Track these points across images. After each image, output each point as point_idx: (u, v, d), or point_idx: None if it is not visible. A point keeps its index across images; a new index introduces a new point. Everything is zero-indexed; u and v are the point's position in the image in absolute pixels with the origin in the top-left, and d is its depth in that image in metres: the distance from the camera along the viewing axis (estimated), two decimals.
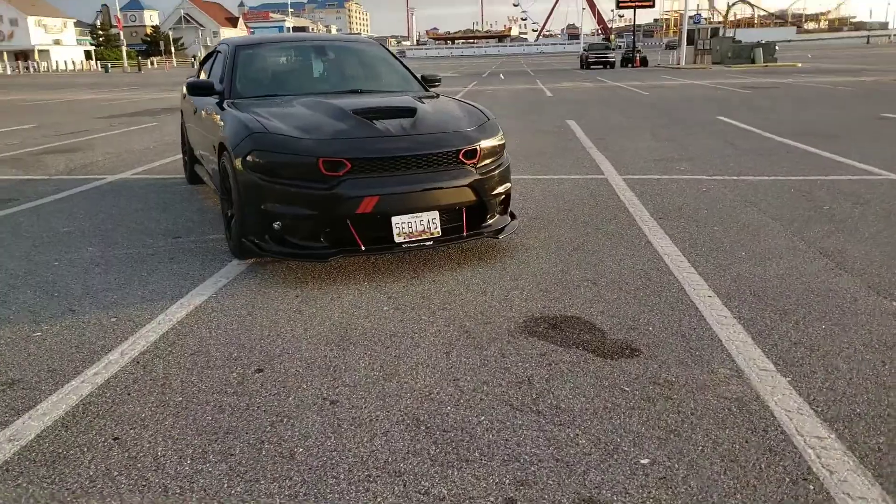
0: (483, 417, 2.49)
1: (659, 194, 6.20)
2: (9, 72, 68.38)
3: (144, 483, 2.12)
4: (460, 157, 4.13)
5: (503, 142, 4.51)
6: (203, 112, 5.23)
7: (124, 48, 71.11)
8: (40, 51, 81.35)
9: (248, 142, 3.98)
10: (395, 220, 3.93)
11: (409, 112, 4.31)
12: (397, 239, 3.94)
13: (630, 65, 43.84)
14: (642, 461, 2.22)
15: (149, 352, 3.04)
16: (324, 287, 3.87)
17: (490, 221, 4.36)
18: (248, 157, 3.94)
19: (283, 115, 4.26)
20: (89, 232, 5.13)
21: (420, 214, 3.99)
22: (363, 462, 2.22)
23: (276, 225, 3.92)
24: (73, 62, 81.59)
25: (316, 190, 3.82)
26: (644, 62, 44.08)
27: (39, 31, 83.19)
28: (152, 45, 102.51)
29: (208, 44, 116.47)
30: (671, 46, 44.22)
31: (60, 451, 2.29)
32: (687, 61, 40.84)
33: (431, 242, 4.03)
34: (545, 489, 2.08)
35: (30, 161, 8.85)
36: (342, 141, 3.95)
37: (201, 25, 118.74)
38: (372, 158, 3.91)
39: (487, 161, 4.30)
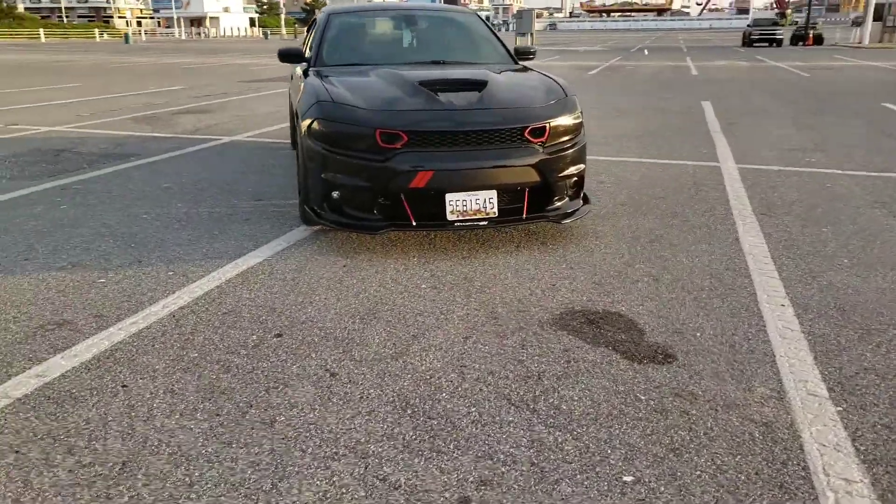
0: (474, 409, 2.39)
1: (773, 187, 5.63)
2: (183, 37, 74.72)
3: (130, 432, 2.23)
4: (525, 134, 3.94)
5: (580, 120, 4.26)
6: (293, 79, 5.39)
7: (283, 16, 75.18)
8: (211, 18, 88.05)
9: (313, 109, 4.03)
10: (448, 196, 3.83)
11: (479, 85, 4.17)
12: (450, 216, 3.85)
13: (801, 43, 40.02)
14: (625, 478, 2.03)
15: (187, 307, 3.19)
16: (373, 259, 3.88)
17: (557, 205, 4.15)
18: (313, 125, 4.00)
19: (354, 85, 4.27)
20: (185, 189, 5.48)
21: (476, 193, 3.87)
22: (335, 439, 2.20)
23: (334, 194, 3.96)
24: (239, 29, 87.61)
25: (372, 161, 3.80)
26: (818, 40, 40.01)
27: (212, 0, 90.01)
28: (310, 13, 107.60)
29: None
30: (857, 23, 39.69)
31: (73, 391, 2.47)
32: (871, 40, 36.45)
33: (486, 223, 3.90)
34: (506, 493, 1.96)
35: (165, 119, 9.60)
36: (401, 113, 3.90)
37: None
38: (428, 132, 3.83)
39: (558, 140, 4.07)
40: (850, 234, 4.39)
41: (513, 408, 2.40)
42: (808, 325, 3.07)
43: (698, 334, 2.97)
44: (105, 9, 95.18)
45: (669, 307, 3.25)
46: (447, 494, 1.95)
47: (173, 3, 79.33)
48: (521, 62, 5.44)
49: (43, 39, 56.28)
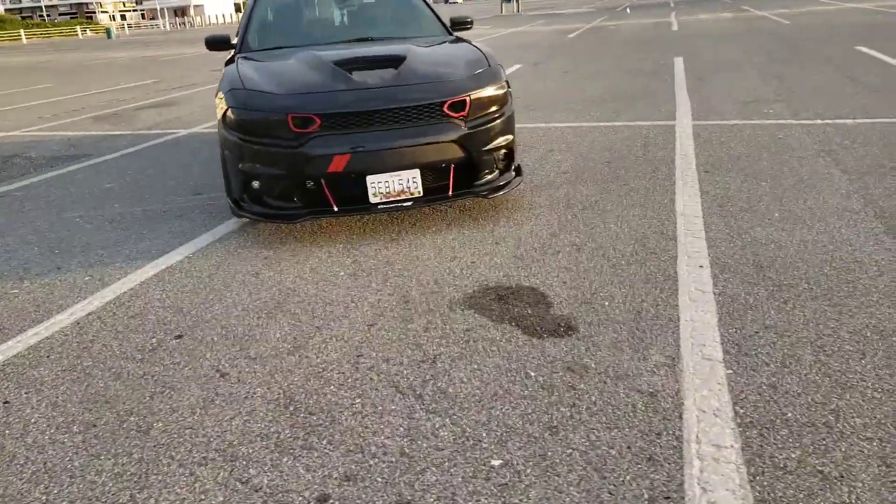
0: (359, 400, 2.35)
1: (723, 143, 5.52)
2: (167, 28, 73.99)
3: (0, 450, 2.20)
4: (445, 109, 3.84)
5: (504, 90, 4.15)
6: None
7: None
8: (195, 6, 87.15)
9: (227, 98, 3.96)
10: (370, 179, 3.76)
11: (397, 61, 4.07)
12: (373, 199, 3.78)
13: None
14: (493, 462, 1.99)
15: (94, 313, 3.15)
16: (296, 249, 3.82)
17: (485, 179, 4.07)
18: (227, 114, 3.92)
19: (270, 70, 4.19)
20: (126, 188, 5.42)
21: (399, 173, 3.79)
22: (207, 443, 2.17)
23: (254, 184, 3.90)
24: (225, 16, 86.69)
25: (286, 148, 3.73)
26: None
27: None
28: None
29: None
30: None
31: None
32: None
33: (411, 203, 3.84)
34: (367, 488, 1.92)
35: (126, 116, 9.50)
36: (312, 96, 3.81)
37: None
38: (342, 113, 3.74)
39: (482, 113, 3.98)
40: (787, 186, 4.30)
41: (398, 395, 2.35)
42: (721, 285, 3.01)
43: (606, 303, 2.92)
44: (87, 4, 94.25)
45: (584, 277, 3.19)
46: (307, 494, 1.92)
47: None
48: (456, 33, 5.33)
49: (24, 41, 55.72)
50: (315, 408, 2.32)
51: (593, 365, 2.46)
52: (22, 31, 59.12)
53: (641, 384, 2.32)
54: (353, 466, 2.01)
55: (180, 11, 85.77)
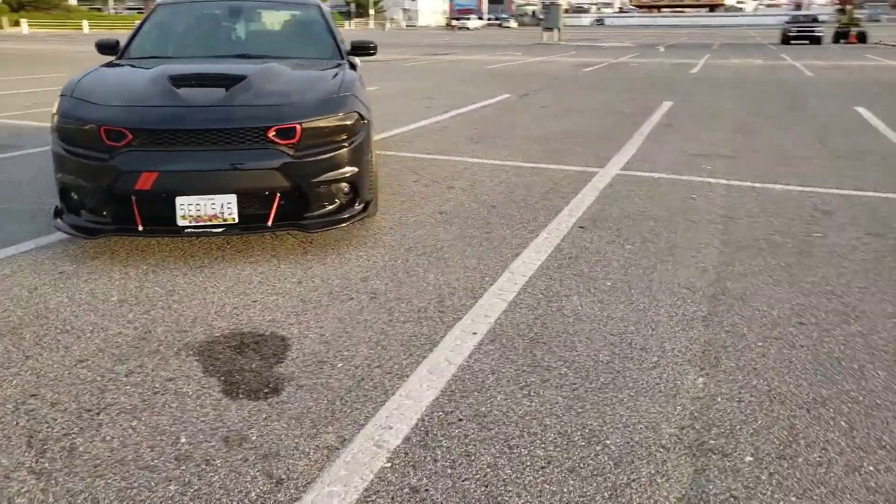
0: None
1: (628, 198, 5.20)
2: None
3: None
4: (269, 135, 3.65)
5: (352, 121, 3.94)
6: None
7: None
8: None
9: (57, 104, 3.83)
10: (179, 200, 3.58)
11: (235, 80, 3.91)
12: (181, 222, 3.60)
13: (843, 40, 38.19)
14: None
15: None
16: (100, 268, 3.65)
17: (318, 212, 3.85)
18: (55, 120, 3.79)
19: (113, 79, 4.08)
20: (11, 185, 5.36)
21: (213, 197, 3.60)
22: None
23: (73, 196, 3.76)
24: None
25: (98, 161, 3.58)
26: (862, 38, 37.90)
27: None
28: (357, 5, 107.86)
29: (406, 6, 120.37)
30: None
31: None
32: None
33: (223, 230, 3.64)
34: None
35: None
36: (129, 109, 3.67)
37: None
38: (155, 130, 3.59)
39: (316, 142, 3.78)
40: (651, 253, 3.98)
41: (25, 449, 2.14)
42: (475, 358, 2.73)
43: (339, 364, 2.67)
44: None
45: (349, 331, 2.94)
46: None
47: None
48: (356, 58, 5.16)
49: (86, 30, 57.46)
50: None
51: (253, 437, 2.21)
52: (85, 21, 60.94)
53: (280, 468, 2.06)
54: None
55: None
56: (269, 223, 3.72)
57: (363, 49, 5.19)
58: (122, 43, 4.91)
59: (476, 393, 2.49)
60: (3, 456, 2.10)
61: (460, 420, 2.32)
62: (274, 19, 5.49)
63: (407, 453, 2.14)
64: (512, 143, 7.42)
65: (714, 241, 4.22)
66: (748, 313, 3.16)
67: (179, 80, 3.90)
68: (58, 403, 2.39)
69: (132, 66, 4.42)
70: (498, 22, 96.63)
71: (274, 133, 3.67)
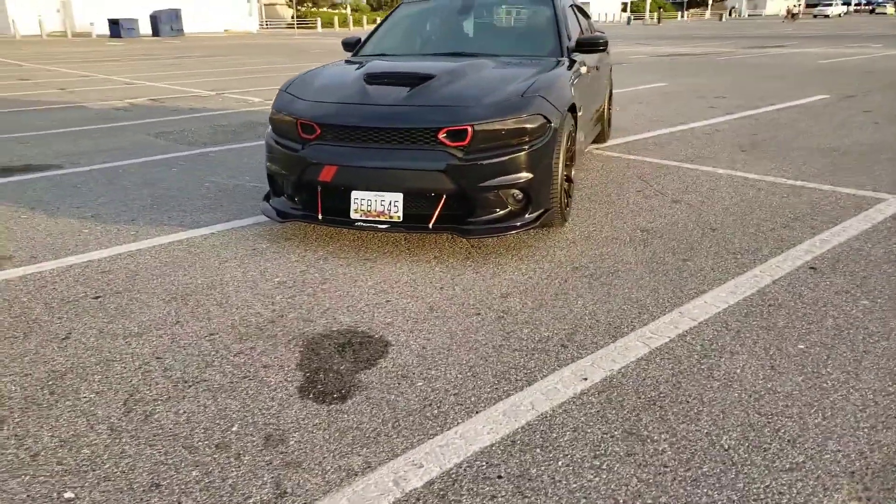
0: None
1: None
2: None
3: None
4: (439, 136, 3.60)
5: (530, 125, 3.69)
6: None
7: (647, 0, 72.98)
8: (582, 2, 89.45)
9: (275, 97, 4.25)
10: (354, 194, 3.73)
11: (424, 79, 3.92)
12: (353, 215, 3.75)
13: None
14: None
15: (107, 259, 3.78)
16: (290, 247, 3.98)
17: (483, 217, 3.70)
18: (270, 112, 4.22)
19: (325, 75, 4.36)
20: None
21: (383, 194, 3.69)
22: None
23: (276, 182, 4.15)
24: (607, 14, 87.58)
25: (292, 151, 3.89)
26: None
27: None
28: None
29: None
30: None
31: None
32: None
33: (387, 226, 3.70)
34: None
35: None
36: (320, 105, 3.90)
37: None
38: (338, 126, 3.77)
39: (489, 145, 3.62)
40: (892, 316, 3.02)
41: (118, 409, 2.41)
42: (566, 408, 2.34)
43: (419, 383, 2.50)
44: None
45: (451, 350, 2.76)
46: None
47: None
48: (580, 54, 4.84)
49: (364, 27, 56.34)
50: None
51: (292, 441, 2.19)
52: (364, 17, 62.07)
53: (292, 480, 2.01)
54: None
55: None
56: (430, 225, 3.67)
57: (590, 45, 4.82)
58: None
59: (538, 450, 2.13)
60: (101, 407, 2.40)
61: (499, 478, 2.01)
62: (503, 15, 5.39)
63: (418, 500, 1.92)
64: (790, 155, 6.29)
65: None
66: None
67: (373, 79, 4.04)
68: (168, 370, 2.64)
69: (351, 63, 4.71)
70: (870, 7, 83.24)
71: (444, 134, 3.60)
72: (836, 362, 2.63)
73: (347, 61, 4.92)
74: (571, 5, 5.69)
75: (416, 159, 3.62)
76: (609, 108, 6.87)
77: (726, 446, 2.14)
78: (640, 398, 2.41)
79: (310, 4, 69.78)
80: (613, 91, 7.39)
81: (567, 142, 4.09)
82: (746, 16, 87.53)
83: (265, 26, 62.46)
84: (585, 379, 2.53)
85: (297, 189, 3.94)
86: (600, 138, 6.63)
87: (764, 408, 2.34)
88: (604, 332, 2.89)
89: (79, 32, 48.14)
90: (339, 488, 1.98)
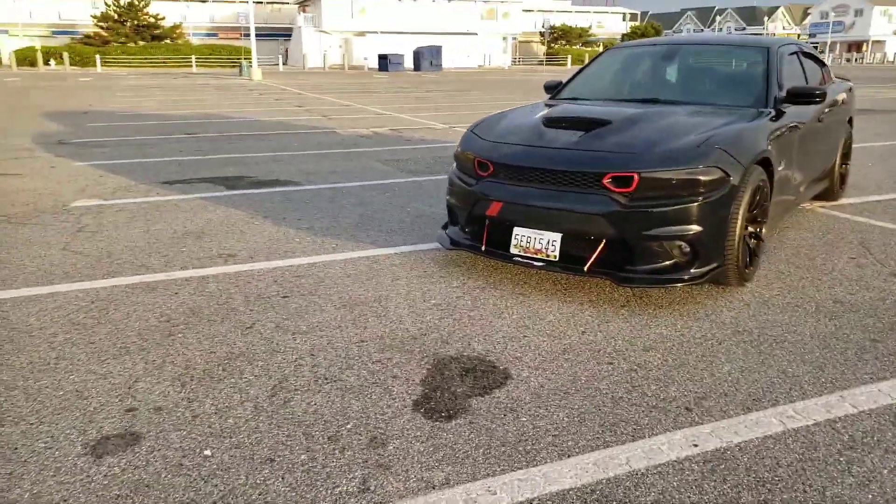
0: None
1: None
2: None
3: None
4: (603, 181, 3.63)
5: (704, 177, 3.57)
6: None
7: None
8: (875, 42, 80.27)
9: (462, 136, 4.57)
10: (516, 230, 3.90)
11: (600, 124, 3.98)
12: (513, 250, 3.91)
13: None
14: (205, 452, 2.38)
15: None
16: (454, 273, 4.25)
17: (642, 266, 3.64)
18: (456, 150, 4.53)
19: (509, 118, 4.57)
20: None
21: (542, 232, 3.81)
22: None
23: (453, 212, 4.46)
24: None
25: (468, 186, 4.18)
26: None
27: (882, 21, 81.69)
28: None
29: None
30: None
31: None
32: None
33: (543, 264, 3.81)
34: None
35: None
36: (496, 145, 4.12)
37: None
38: (507, 165, 3.97)
39: (655, 193, 3.58)
40: None
41: (267, 392, 2.83)
42: (661, 470, 2.26)
43: (524, 419, 2.58)
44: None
45: (569, 393, 2.78)
46: None
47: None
48: (792, 106, 4.51)
49: (195, 68, 47.48)
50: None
51: (391, 447, 2.40)
52: (194, 56, 49.55)
53: (378, 480, 2.22)
54: None
55: (855, 46, 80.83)
56: (586, 268, 3.70)
57: (803, 96, 4.47)
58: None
59: (614, 503, 2.10)
60: (255, 388, 2.83)
61: None
62: (710, 62, 5.18)
63: None
64: None
65: None
66: None
67: (552, 122, 4.18)
68: (316, 366, 3.02)
69: (544, 106, 4.88)
70: None
71: (609, 180, 3.62)
72: None
73: (546, 104, 5.10)
74: (798, 52, 5.31)
75: (578, 202, 3.68)
76: (844, 164, 6.21)
77: None
78: (749, 476, 2.24)
79: (563, 42, 71.55)
80: (853, 145, 6.65)
81: (754, 197, 3.85)
82: None
83: (517, 62, 65.25)
84: (696, 445, 2.41)
85: (469, 221, 4.21)
86: (828, 196, 6.02)
87: None
88: (739, 403, 2.70)
89: (354, 66, 54.45)
90: (414, 497, 2.14)
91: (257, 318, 3.55)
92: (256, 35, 35.50)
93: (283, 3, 75.24)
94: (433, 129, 12.45)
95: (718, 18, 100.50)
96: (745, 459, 2.33)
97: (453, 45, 59.74)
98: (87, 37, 51.74)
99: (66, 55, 43.60)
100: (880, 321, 3.50)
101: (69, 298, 3.81)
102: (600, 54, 5.65)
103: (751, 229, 3.97)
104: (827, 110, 5.34)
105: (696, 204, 3.56)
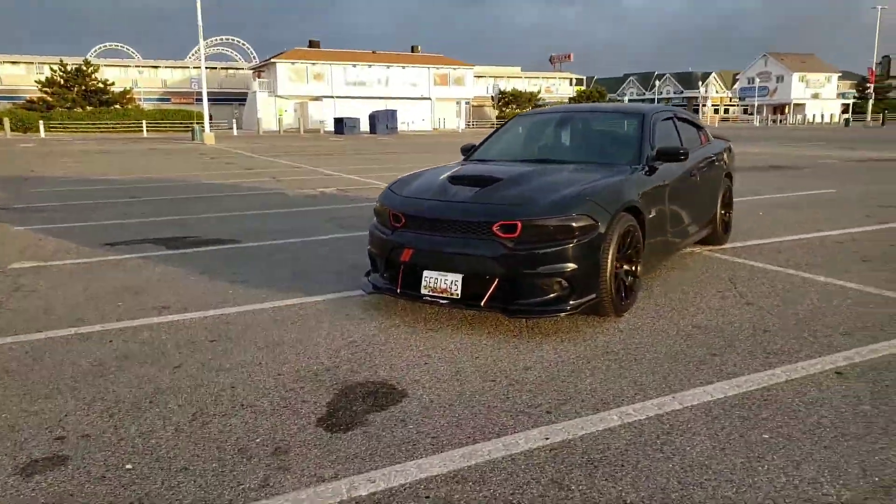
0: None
1: None
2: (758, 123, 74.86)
3: None
4: (493, 229, 4.22)
5: (576, 224, 4.20)
6: None
7: (870, 101, 67.57)
8: (796, 104, 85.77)
9: (381, 192, 5.16)
10: (425, 273, 4.44)
11: (493, 181, 4.61)
12: (423, 291, 4.44)
13: None
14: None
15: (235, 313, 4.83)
16: (375, 314, 4.75)
17: (527, 300, 4.21)
18: (375, 205, 5.11)
19: (423, 176, 5.20)
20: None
21: (446, 274, 4.36)
22: None
23: (373, 261, 5.00)
24: (823, 116, 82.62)
25: (385, 235, 4.73)
26: None
27: (801, 87, 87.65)
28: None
29: None
30: None
31: None
32: None
33: (447, 302, 4.35)
34: None
35: None
36: (408, 199, 4.71)
37: None
38: (417, 216, 4.54)
39: (536, 238, 4.18)
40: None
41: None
42: (522, 463, 2.76)
43: (411, 426, 3.06)
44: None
45: (453, 406, 3.28)
46: None
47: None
48: (660, 163, 5.23)
49: (145, 133, 47.39)
50: None
51: (292, 453, 2.85)
52: (144, 122, 48.33)
53: (269, 471, 2.66)
54: None
55: (780, 109, 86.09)
56: (482, 303, 4.25)
57: (670, 155, 5.20)
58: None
59: (469, 483, 2.58)
60: (177, 415, 3.24)
61: (426, 497, 2.49)
62: (597, 127, 5.93)
63: (357, 502, 2.47)
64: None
65: None
66: None
67: (456, 180, 4.81)
68: (235, 395, 3.45)
69: (456, 165, 5.53)
70: None
71: (498, 227, 4.22)
72: (788, 453, 2.75)
73: (459, 164, 5.74)
74: (673, 117, 6.09)
75: (474, 247, 4.26)
76: (727, 212, 6.97)
77: (628, 501, 2.43)
78: (583, 458, 2.76)
79: (514, 106, 74.36)
80: (757, 197, 7.45)
81: (624, 239, 4.49)
82: None
83: (471, 125, 67.37)
84: (547, 439, 2.92)
85: (386, 267, 4.75)
86: (713, 241, 6.76)
87: (688, 478, 2.57)
88: (591, 406, 3.24)
89: (310, 129, 55.48)
90: (306, 488, 2.59)
91: (185, 359, 3.97)
92: (210, 99, 36.28)
93: (237, 68, 76.70)
94: (380, 188, 13.08)
95: (658, 83, 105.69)
96: (583, 446, 2.85)
97: (408, 109, 61.65)
98: (31, 101, 51.63)
99: (6, 120, 42.98)
100: (723, 340, 4.12)
101: (2, 350, 4.14)
102: (508, 121, 6.38)
103: (626, 267, 4.60)
104: (702, 166, 6.12)
105: (570, 246, 4.17)
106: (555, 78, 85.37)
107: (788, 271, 5.86)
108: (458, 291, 4.30)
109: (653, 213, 4.97)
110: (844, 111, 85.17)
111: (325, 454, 2.84)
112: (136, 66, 72.21)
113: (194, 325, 4.59)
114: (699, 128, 6.73)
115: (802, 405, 3.22)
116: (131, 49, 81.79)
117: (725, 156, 7.02)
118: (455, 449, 2.86)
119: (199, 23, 33.47)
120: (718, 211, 6.66)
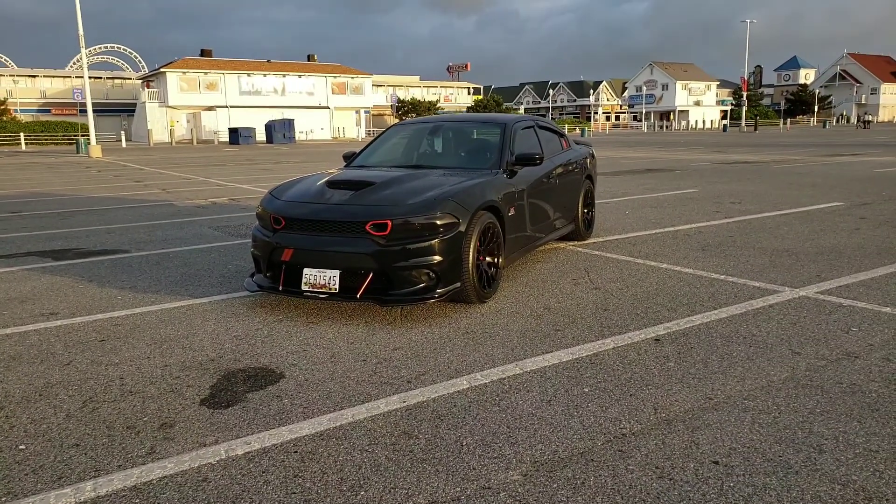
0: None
1: (770, 320, 4.65)
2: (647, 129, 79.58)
3: None
4: (367, 228, 4.68)
5: (439, 221, 4.73)
6: None
7: (744, 108, 73.44)
8: (680, 111, 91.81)
9: (263, 196, 5.52)
10: (305, 270, 4.84)
11: (367, 185, 5.07)
12: (304, 287, 4.84)
13: None
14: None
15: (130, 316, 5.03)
16: (259, 311, 5.10)
17: (399, 290, 4.70)
18: (256, 209, 5.46)
19: (303, 181, 5.61)
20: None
21: (325, 271, 4.78)
22: None
23: (255, 262, 5.35)
24: (705, 121, 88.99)
25: (266, 237, 5.09)
26: None
27: (684, 94, 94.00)
28: (796, 103, 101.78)
29: (863, 101, 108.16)
30: None
31: None
32: None
33: (326, 296, 4.77)
34: None
35: None
36: (287, 203, 5.10)
37: (858, 82, 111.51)
38: (295, 218, 4.94)
39: (404, 235, 4.66)
40: (698, 376, 3.70)
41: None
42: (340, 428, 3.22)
43: (286, 401, 3.46)
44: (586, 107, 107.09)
45: (325, 383, 3.70)
46: None
47: None
48: (520, 167, 5.85)
49: (24, 147, 44.11)
50: None
51: (176, 426, 3.19)
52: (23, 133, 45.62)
53: (157, 436, 3.00)
54: None
55: (666, 115, 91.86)
56: (358, 295, 4.70)
57: (525, 160, 5.85)
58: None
59: (333, 440, 3.01)
60: (67, 403, 3.49)
61: (282, 462, 2.91)
62: (464, 135, 6.55)
63: (234, 461, 2.84)
64: (741, 255, 6.90)
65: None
66: None
67: (333, 184, 5.24)
68: (124, 385, 3.73)
69: (339, 170, 5.97)
70: None
71: (370, 226, 4.68)
72: (601, 401, 3.36)
73: (338, 170, 6.17)
74: (534, 126, 6.78)
75: (350, 245, 4.71)
76: (588, 211, 7.74)
77: (462, 443, 2.95)
78: (432, 414, 3.26)
79: (413, 115, 75.38)
80: (602, 199, 8.28)
81: (485, 234, 5.06)
82: (856, 123, 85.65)
83: (371, 134, 67.64)
84: (404, 402, 3.41)
85: (269, 267, 5.11)
86: (576, 237, 7.51)
87: (516, 424, 3.13)
88: (446, 375, 3.76)
89: (203, 140, 54.01)
90: (188, 452, 2.95)
91: (74, 357, 4.19)
92: (96, 110, 34.82)
93: (124, 78, 73.49)
94: None
95: (552, 92, 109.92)
96: (434, 405, 3.36)
97: (306, 118, 61.16)
98: None
99: None
100: (568, 318, 4.77)
101: None
102: (385, 130, 6.87)
103: (488, 259, 5.19)
104: (562, 170, 6.84)
105: (435, 241, 4.70)
106: (453, 87, 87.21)
107: (637, 261, 6.66)
108: (337, 286, 4.73)
109: (512, 212, 5.59)
110: (724, 117, 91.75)
111: (206, 426, 3.20)
112: (11, 76, 67.88)
113: (84, 328, 4.78)
114: (561, 135, 7.47)
115: (621, 365, 3.86)
116: (4, 57, 76.87)
117: (588, 160, 7.81)
118: (324, 415, 3.29)
119: (80, 31, 32.04)
120: (580, 210, 7.42)
